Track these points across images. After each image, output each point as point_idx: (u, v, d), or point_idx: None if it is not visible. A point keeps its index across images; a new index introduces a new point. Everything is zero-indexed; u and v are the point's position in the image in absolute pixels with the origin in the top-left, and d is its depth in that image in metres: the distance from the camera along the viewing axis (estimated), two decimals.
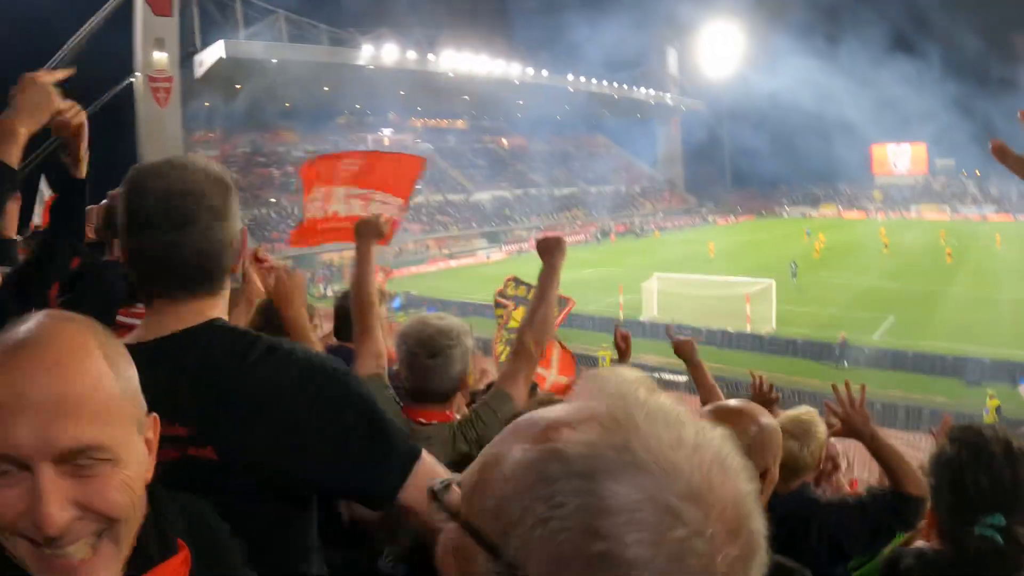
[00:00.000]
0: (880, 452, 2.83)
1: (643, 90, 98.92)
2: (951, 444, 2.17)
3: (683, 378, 22.96)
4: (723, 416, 2.10)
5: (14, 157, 2.06)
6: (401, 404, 2.66)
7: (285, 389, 1.49)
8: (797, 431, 2.90)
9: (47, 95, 2.08)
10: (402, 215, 5.07)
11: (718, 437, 0.67)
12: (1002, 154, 1.27)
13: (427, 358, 2.58)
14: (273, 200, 64.35)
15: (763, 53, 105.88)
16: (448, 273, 53.04)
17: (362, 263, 3.03)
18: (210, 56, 57.63)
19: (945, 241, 57.82)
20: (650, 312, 33.01)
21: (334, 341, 4.28)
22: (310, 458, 1.50)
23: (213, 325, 1.57)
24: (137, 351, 1.14)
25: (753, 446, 2.04)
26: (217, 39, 57.38)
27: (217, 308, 1.61)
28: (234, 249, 1.62)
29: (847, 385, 2.92)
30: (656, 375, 23.65)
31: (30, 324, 1.00)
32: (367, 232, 3.07)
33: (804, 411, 3.13)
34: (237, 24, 58.86)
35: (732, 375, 23.89)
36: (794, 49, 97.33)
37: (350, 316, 3.08)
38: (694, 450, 0.63)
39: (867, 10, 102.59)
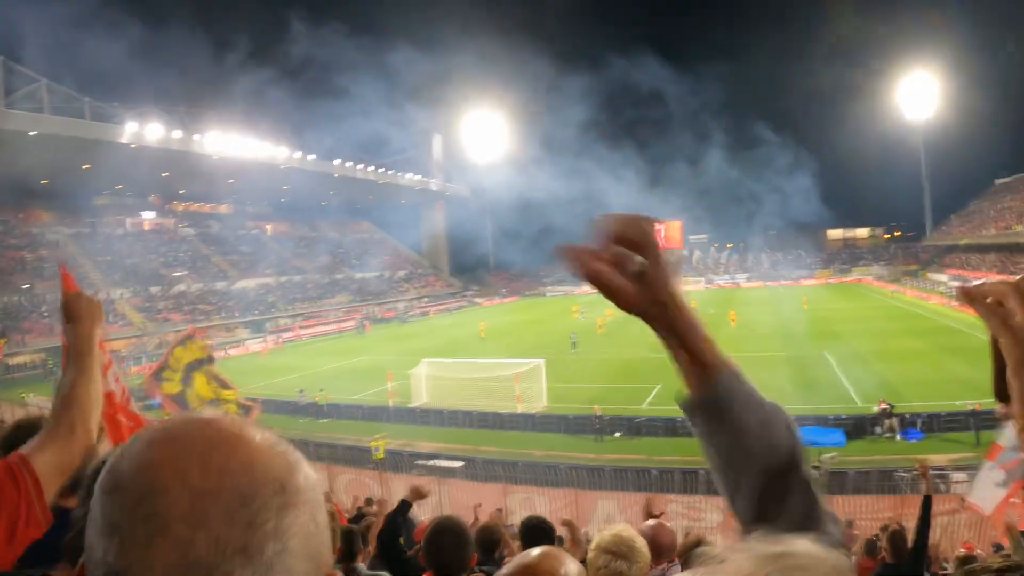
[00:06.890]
0: None
1: (408, 175, 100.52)
2: None
3: (458, 464, 22.64)
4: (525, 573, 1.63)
5: None
6: None
7: None
8: (621, 550, 2.75)
9: None
10: None
11: None
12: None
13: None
14: (26, 286, 58.64)
15: (521, 140, 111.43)
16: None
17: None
18: None
19: (701, 308, 62.02)
20: (420, 398, 32.63)
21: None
22: None
23: None
24: None
25: None
26: None
27: None
28: None
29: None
30: (431, 461, 23.16)
31: None
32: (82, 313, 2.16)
33: (622, 528, 2.94)
34: None
35: (508, 456, 23.83)
36: (550, 137, 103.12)
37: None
38: None
39: (617, 101, 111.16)
